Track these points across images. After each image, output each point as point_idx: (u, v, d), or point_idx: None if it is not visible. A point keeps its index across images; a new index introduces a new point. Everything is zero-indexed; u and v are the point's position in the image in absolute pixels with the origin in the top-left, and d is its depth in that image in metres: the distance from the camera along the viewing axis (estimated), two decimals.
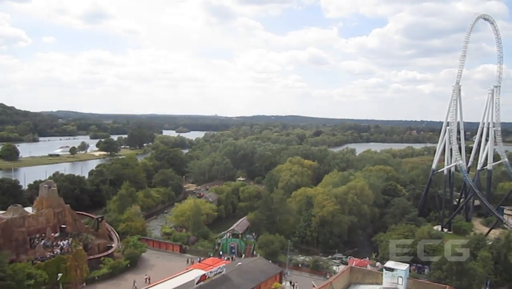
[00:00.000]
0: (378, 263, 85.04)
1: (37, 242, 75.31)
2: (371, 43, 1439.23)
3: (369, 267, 78.34)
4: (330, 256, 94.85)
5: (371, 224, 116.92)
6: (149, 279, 75.70)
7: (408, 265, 62.38)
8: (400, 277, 58.43)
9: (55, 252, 73.88)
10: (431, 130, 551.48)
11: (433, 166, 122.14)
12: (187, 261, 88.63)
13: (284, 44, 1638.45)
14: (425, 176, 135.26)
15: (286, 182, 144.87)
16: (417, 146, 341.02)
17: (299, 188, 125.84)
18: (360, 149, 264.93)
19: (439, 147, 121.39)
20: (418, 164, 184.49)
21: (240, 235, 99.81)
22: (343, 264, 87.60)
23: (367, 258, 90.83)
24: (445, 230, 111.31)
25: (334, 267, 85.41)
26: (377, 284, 61.21)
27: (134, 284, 75.54)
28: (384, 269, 60.85)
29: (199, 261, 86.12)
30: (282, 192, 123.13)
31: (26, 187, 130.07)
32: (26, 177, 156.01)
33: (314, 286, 73.32)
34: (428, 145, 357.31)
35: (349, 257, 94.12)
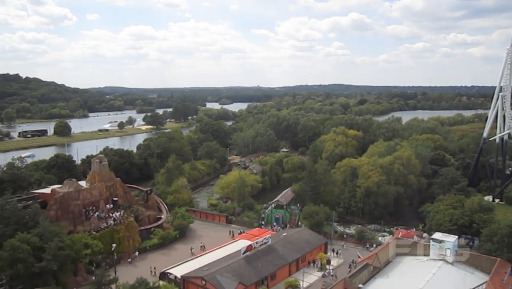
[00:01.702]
0: (425, 235, 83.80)
1: (91, 214, 79.41)
2: (417, 5, 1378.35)
3: (415, 239, 77.41)
4: (375, 227, 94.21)
5: (418, 194, 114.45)
6: (204, 246, 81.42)
7: (456, 236, 61.35)
8: (448, 249, 57.65)
9: (108, 223, 77.75)
10: (482, 96, 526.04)
11: (484, 134, 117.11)
12: (229, 232, 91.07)
13: (326, 10, 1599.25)
14: (475, 144, 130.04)
15: (330, 152, 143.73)
16: (467, 113, 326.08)
17: (343, 159, 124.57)
18: (406, 117, 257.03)
19: (491, 114, 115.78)
20: (468, 132, 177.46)
21: (284, 206, 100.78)
22: (389, 235, 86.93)
23: (414, 229, 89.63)
24: (497, 200, 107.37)
25: (380, 238, 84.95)
26: (424, 255, 60.68)
27: (191, 250, 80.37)
28: (431, 241, 60.17)
29: (240, 233, 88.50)
30: (326, 162, 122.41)
31: (79, 162, 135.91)
32: (78, 152, 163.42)
33: (359, 256, 73.41)
34: (479, 111, 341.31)
35: (395, 228, 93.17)
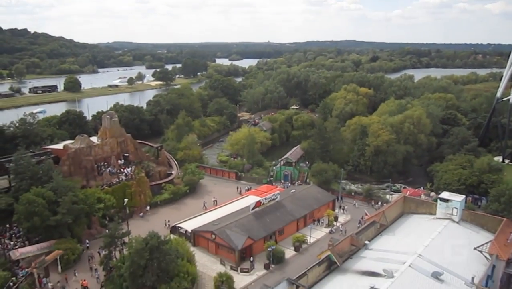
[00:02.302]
0: (432, 194, 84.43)
1: (103, 169, 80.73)
2: None
3: (423, 197, 78.16)
4: (383, 185, 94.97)
5: (428, 153, 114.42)
6: (216, 201, 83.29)
7: (464, 196, 61.70)
8: (455, 208, 58.16)
9: (120, 179, 79.17)
10: (498, 55, 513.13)
11: (498, 94, 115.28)
12: (237, 188, 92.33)
13: None
14: (488, 104, 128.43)
15: (341, 110, 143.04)
16: (482, 72, 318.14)
17: (353, 117, 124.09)
18: (419, 75, 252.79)
19: (506, 73, 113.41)
20: (482, 92, 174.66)
21: (293, 163, 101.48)
22: (397, 193, 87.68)
23: (422, 188, 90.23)
24: (507, 161, 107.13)
25: (387, 196, 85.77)
26: (431, 214, 61.39)
27: (204, 204, 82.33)
28: (438, 200, 60.65)
29: (247, 190, 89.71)
30: (336, 120, 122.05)
31: (90, 118, 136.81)
32: (89, 107, 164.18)
33: (366, 214, 74.56)
34: (494, 70, 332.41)
35: (403, 186, 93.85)
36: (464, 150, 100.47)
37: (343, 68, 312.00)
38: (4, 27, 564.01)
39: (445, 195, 60.95)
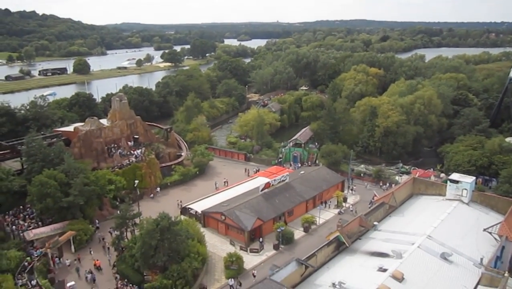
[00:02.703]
0: (442, 175, 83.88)
1: (113, 151, 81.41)
2: None
3: (433, 178, 77.75)
4: (393, 167, 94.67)
5: (438, 135, 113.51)
6: (227, 182, 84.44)
7: (474, 177, 61.37)
8: (465, 189, 57.99)
9: (130, 161, 79.85)
10: None
11: (511, 73, 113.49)
12: (245, 170, 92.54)
13: None
14: (500, 84, 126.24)
15: (350, 91, 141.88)
16: (495, 51, 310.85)
17: (363, 98, 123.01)
18: (430, 54, 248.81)
19: None
20: (494, 71, 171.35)
21: (303, 145, 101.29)
22: (406, 174, 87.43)
23: (432, 169, 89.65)
24: None
25: (397, 178, 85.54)
26: (440, 195, 61.28)
27: (215, 184, 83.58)
28: (448, 181, 60.44)
29: (256, 171, 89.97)
30: (345, 101, 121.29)
31: (100, 100, 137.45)
32: (98, 90, 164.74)
33: (375, 195, 74.52)
34: (508, 49, 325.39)
35: (412, 167, 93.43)
36: (475, 131, 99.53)
37: (353, 48, 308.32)
38: (13, 10, 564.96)
39: (455, 176, 60.67)
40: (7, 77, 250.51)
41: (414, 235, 48.59)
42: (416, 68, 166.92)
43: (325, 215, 70.62)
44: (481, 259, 43.63)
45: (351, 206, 73.81)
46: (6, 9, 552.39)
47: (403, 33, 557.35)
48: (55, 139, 76.30)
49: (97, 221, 65.84)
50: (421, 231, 49.16)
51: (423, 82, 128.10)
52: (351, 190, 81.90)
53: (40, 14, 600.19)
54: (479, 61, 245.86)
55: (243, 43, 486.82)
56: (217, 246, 60.93)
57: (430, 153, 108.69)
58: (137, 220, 58.17)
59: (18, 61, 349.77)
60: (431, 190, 63.71)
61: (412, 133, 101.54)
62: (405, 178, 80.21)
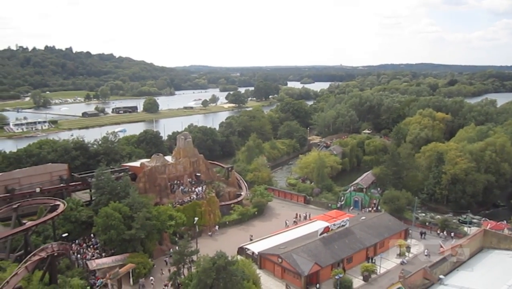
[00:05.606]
0: None
1: (176, 188, 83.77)
2: None
3: (506, 232, 72.25)
4: (461, 217, 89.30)
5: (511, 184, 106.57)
6: (296, 221, 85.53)
7: None
8: None
9: (191, 198, 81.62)
10: None
11: None
12: (296, 215, 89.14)
13: None
14: None
15: (415, 135, 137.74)
16: None
17: (429, 143, 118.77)
18: (502, 100, 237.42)
19: None
20: None
21: (364, 189, 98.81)
22: (476, 226, 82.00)
23: (505, 222, 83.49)
24: None
25: (466, 229, 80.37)
26: None
27: (286, 223, 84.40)
28: None
29: (305, 217, 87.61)
30: (410, 146, 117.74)
31: (166, 138, 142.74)
32: (165, 128, 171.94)
33: (441, 246, 70.29)
34: None
35: (483, 219, 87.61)
36: None
37: (418, 92, 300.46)
38: (93, 52, 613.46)
39: None
40: (84, 114, 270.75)
41: None
42: (487, 114, 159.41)
43: (386, 264, 67.39)
44: None
45: (426, 251, 69.93)
46: (88, 52, 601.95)
47: (472, 77, 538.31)
48: (122, 173, 80.00)
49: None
50: None
51: (494, 128, 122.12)
52: (423, 238, 78.00)
53: (117, 56, 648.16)
54: None
55: (306, 86, 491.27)
56: None
57: (503, 203, 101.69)
58: (194, 257, 58.60)
59: (94, 99, 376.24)
60: (505, 244, 59.36)
61: (482, 182, 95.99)
62: (474, 229, 75.27)
